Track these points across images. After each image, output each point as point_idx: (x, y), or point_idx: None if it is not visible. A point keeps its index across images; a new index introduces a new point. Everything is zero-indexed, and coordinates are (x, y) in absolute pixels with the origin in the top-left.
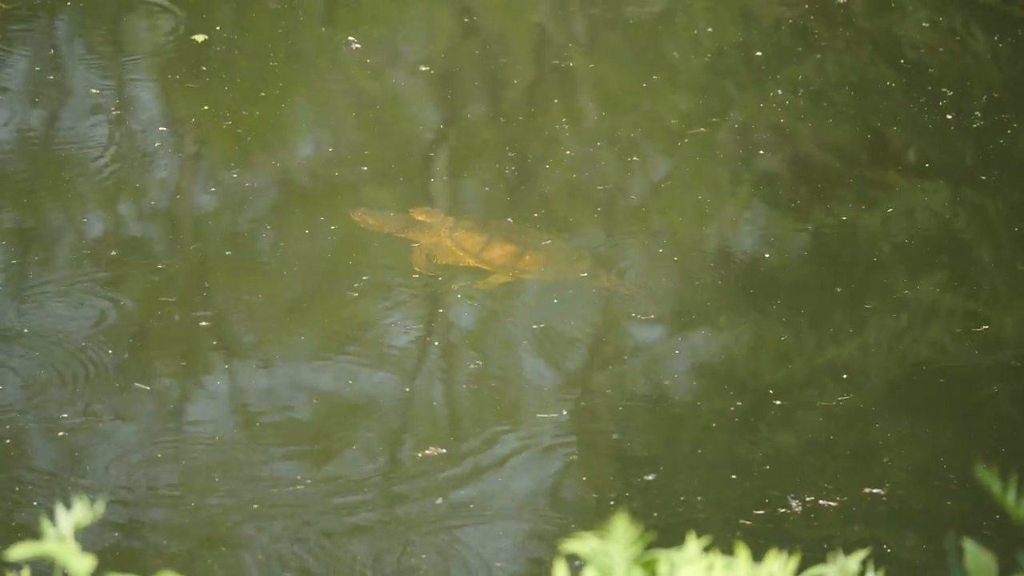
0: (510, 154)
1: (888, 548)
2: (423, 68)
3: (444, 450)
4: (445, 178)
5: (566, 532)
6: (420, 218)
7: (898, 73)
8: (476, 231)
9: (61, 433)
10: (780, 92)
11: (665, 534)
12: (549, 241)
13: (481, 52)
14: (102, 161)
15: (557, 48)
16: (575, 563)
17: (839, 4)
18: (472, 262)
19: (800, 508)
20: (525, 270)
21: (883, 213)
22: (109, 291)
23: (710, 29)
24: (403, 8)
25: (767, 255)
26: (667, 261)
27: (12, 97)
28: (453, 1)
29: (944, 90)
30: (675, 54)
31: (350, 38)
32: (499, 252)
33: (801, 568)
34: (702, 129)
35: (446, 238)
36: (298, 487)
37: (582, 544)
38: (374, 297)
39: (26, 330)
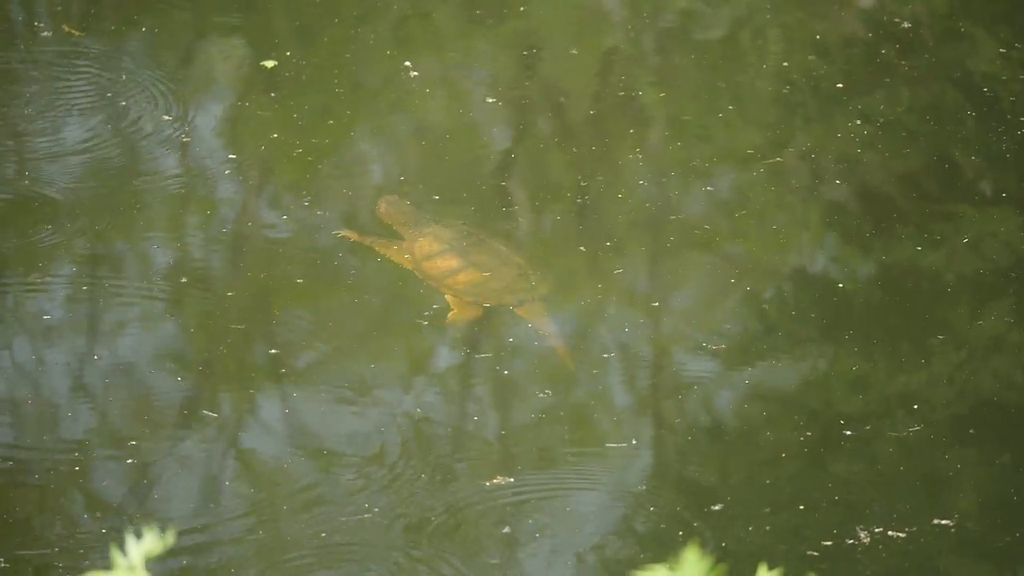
0: (582, 183)
1: None
2: (490, 99)
3: (511, 479)
4: (517, 207)
5: (635, 563)
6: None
7: (972, 102)
8: (440, 240)
9: (129, 460)
10: (858, 122)
11: (734, 565)
12: (512, 267)
13: (548, 82)
14: (172, 188)
15: (626, 78)
16: None
17: (905, 29)
18: (409, 266)
19: (868, 539)
20: (451, 287)
21: (957, 243)
22: (178, 317)
23: (785, 63)
24: (470, 37)
25: (840, 285)
26: (739, 290)
27: (83, 123)
28: (519, 31)
29: (1022, 119)
30: (746, 83)
31: (407, 63)
32: (436, 264)
33: None
34: (778, 159)
35: (412, 239)
36: (365, 515)
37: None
38: (444, 325)
39: (96, 356)
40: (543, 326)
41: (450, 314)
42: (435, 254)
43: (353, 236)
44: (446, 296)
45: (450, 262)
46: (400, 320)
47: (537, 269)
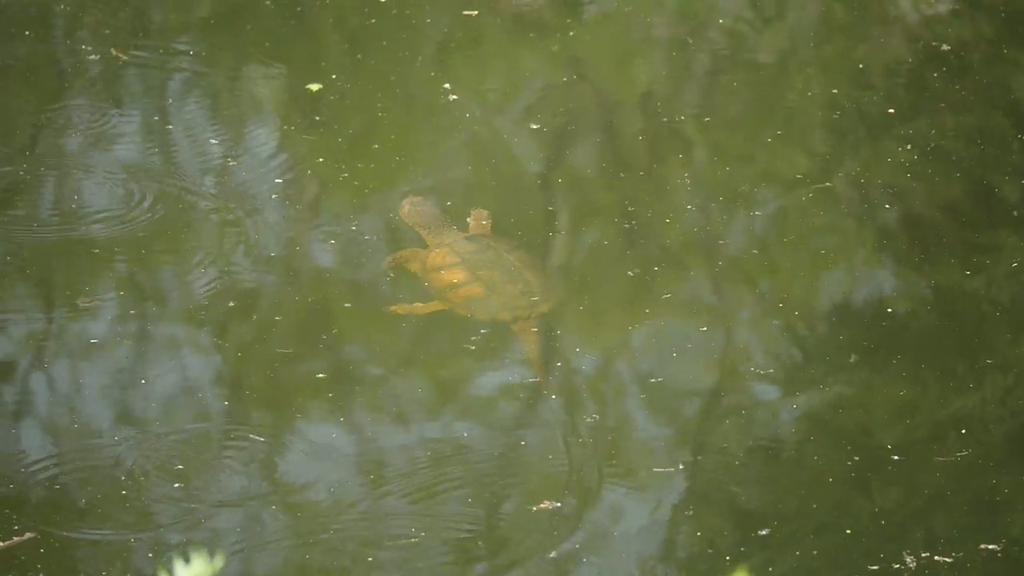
0: (630, 208)
1: None
2: (534, 125)
3: (558, 504)
4: (564, 232)
5: None
6: (470, 221)
7: (1018, 126)
8: (455, 253)
9: (177, 485)
10: (908, 147)
11: None
12: (518, 283)
13: (594, 107)
14: (219, 212)
15: (673, 103)
16: None
17: (948, 53)
18: (418, 273)
19: (915, 564)
20: (450, 300)
21: (1004, 268)
22: (225, 341)
23: (832, 89)
24: (516, 61)
25: (889, 310)
26: (788, 315)
27: (130, 147)
28: (565, 55)
29: None
30: (793, 108)
31: (446, 86)
32: (442, 277)
33: None
34: (827, 184)
35: (432, 246)
36: (411, 539)
37: None
38: (491, 350)
39: (143, 380)
40: (530, 346)
41: (402, 306)
42: (444, 267)
43: (392, 259)
44: (438, 302)
45: (456, 276)
46: (447, 345)
47: (544, 287)
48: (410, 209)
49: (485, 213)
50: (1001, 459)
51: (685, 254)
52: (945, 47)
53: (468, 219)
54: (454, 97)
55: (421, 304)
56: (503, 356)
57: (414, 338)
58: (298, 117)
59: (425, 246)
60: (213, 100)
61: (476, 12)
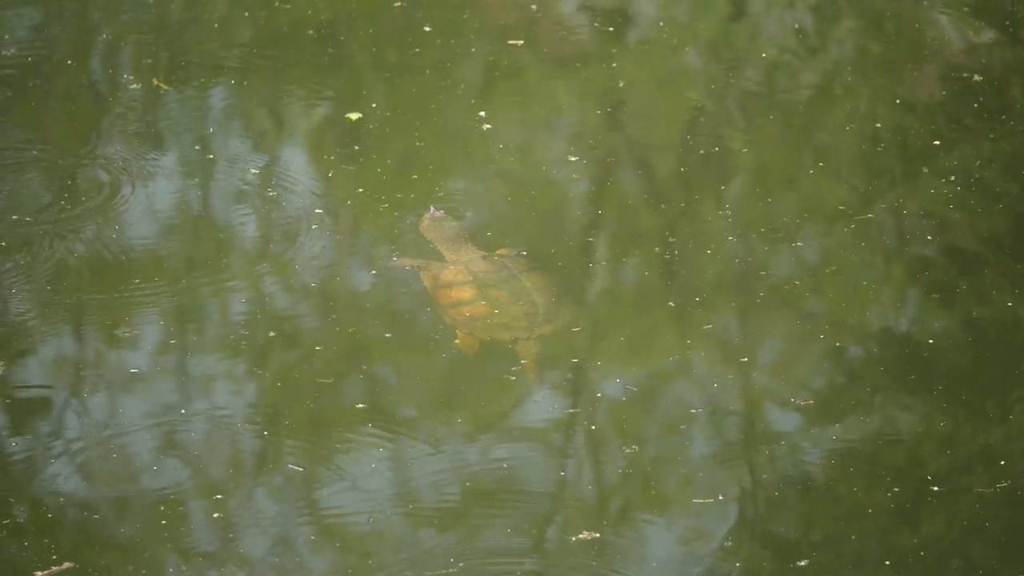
0: (670, 239)
1: None
2: (573, 157)
3: (597, 534)
4: (604, 263)
5: None
6: (501, 252)
7: None
8: (468, 271)
9: (217, 514)
10: (952, 178)
11: None
12: (524, 304)
13: (634, 138)
14: (258, 242)
15: (712, 134)
16: None
17: (983, 85)
18: (428, 287)
19: None
20: (453, 318)
21: None
22: (265, 372)
23: (873, 121)
24: (555, 92)
25: (930, 341)
26: (827, 346)
27: (169, 177)
28: (604, 87)
29: None
30: (833, 139)
31: (481, 113)
32: (449, 294)
33: None
34: (869, 215)
35: (450, 261)
36: (451, 570)
37: None
38: (531, 380)
39: (183, 411)
40: (529, 366)
41: (457, 341)
42: (454, 284)
43: (407, 263)
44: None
45: (463, 294)
46: (487, 375)
47: (550, 310)
48: (430, 223)
49: (524, 254)
50: None
51: (726, 285)
52: (985, 78)
53: (500, 250)
54: (488, 126)
55: (458, 340)
56: (544, 385)
57: (453, 368)
58: (337, 147)
59: (439, 259)
60: (253, 129)
61: (521, 42)
